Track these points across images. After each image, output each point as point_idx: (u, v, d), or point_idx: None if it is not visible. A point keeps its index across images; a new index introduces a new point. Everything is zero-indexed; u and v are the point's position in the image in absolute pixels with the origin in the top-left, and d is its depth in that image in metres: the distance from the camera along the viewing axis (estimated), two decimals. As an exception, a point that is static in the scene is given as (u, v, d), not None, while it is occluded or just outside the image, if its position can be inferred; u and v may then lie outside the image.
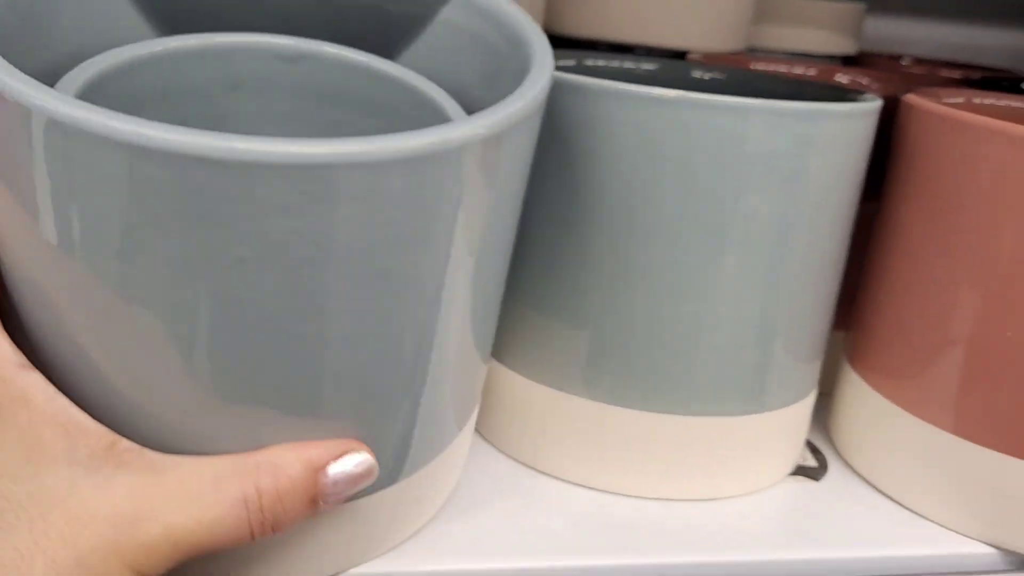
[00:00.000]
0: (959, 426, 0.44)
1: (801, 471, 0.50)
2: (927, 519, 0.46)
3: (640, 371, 0.44)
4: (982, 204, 0.42)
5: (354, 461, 0.32)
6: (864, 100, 0.45)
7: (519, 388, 0.47)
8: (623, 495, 0.46)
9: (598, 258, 0.43)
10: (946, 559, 0.44)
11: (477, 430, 0.50)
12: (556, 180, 0.43)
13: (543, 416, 0.46)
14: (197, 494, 0.30)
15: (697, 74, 0.54)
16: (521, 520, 0.43)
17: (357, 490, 0.33)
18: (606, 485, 0.46)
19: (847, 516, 0.46)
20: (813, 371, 0.48)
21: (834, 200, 0.44)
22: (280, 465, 0.31)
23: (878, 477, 0.49)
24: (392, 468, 0.36)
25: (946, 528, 0.46)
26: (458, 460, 0.42)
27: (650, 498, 0.46)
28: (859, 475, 0.50)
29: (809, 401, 0.49)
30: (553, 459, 0.47)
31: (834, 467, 0.51)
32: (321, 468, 0.32)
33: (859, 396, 0.50)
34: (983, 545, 0.45)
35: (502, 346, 0.48)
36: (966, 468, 0.44)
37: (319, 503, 0.32)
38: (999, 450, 0.43)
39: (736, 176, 0.41)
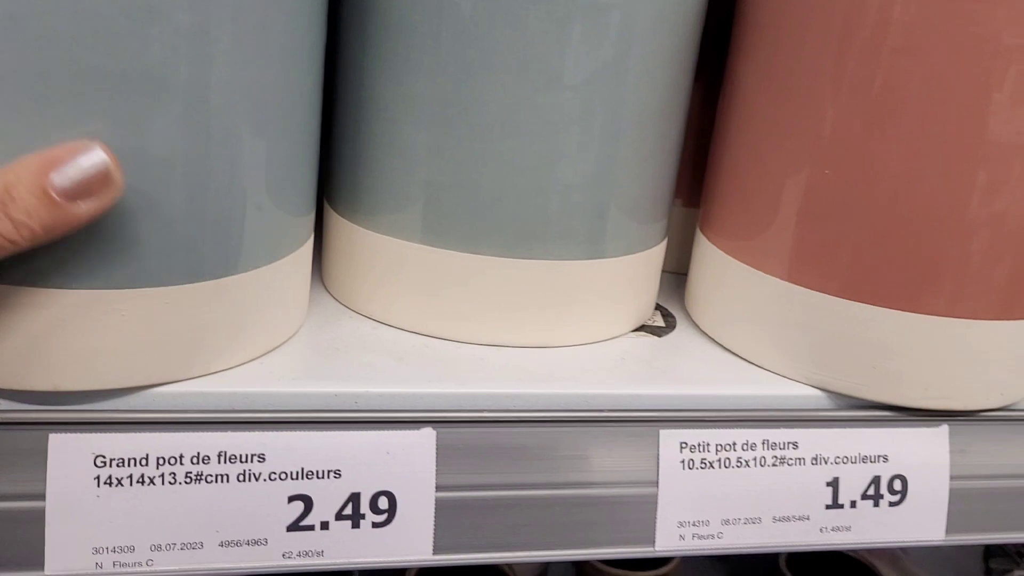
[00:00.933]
0: (791, 272, 0.45)
1: (646, 328, 0.50)
2: (761, 367, 0.46)
3: (471, 213, 0.44)
4: (811, 50, 0.42)
5: (88, 156, 0.32)
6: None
7: (354, 237, 0.47)
8: (458, 341, 0.46)
9: (423, 97, 0.43)
10: (775, 399, 0.44)
11: (323, 284, 0.50)
12: (376, 19, 0.43)
13: (377, 263, 0.46)
14: None
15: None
16: (352, 356, 0.43)
17: (95, 194, 0.32)
18: (441, 331, 0.46)
19: (683, 363, 0.46)
20: (653, 227, 0.48)
21: (664, 45, 0.44)
22: (14, 163, 0.31)
23: (720, 332, 0.49)
24: (192, 259, 0.36)
25: (777, 374, 0.46)
26: (283, 290, 0.42)
27: (485, 344, 0.46)
28: (705, 334, 0.50)
29: (652, 256, 0.49)
30: (388, 307, 0.46)
31: (683, 328, 0.51)
32: (53, 160, 0.31)
33: (707, 257, 0.50)
34: (810, 388, 0.45)
35: (335, 195, 0.48)
36: (796, 312, 0.45)
37: (52, 196, 0.31)
38: (825, 292, 0.44)
39: (564, 13, 0.41)
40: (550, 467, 0.41)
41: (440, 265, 0.44)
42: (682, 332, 0.50)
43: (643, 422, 0.42)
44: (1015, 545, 0.91)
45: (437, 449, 0.39)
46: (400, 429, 0.39)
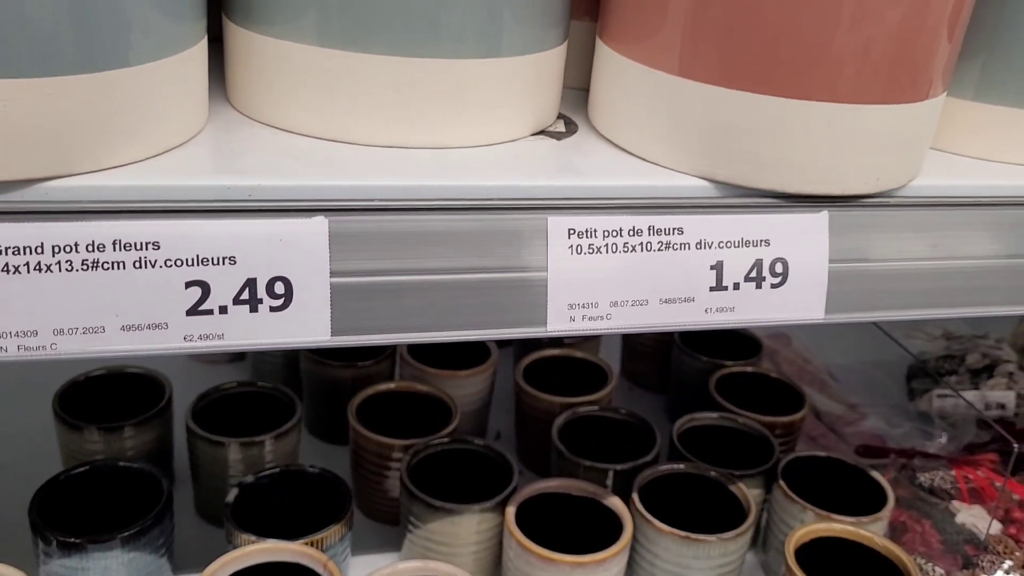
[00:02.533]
0: (681, 66, 0.46)
1: (546, 133, 0.51)
2: (654, 163, 0.48)
3: (363, 10, 0.44)
4: None
5: None
6: None
7: (250, 44, 0.47)
8: (356, 144, 0.47)
9: None
10: (662, 189, 0.46)
11: (227, 99, 0.51)
12: None
13: (273, 68, 0.47)
14: None
15: None
16: (248, 157, 0.44)
17: None
18: (338, 134, 0.47)
19: (576, 160, 0.48)
20: (550, 30, 0.49)
21: None
22: None
23: (616, 132, 0.50)
24: (77, 49, 0.37)
25: (668, 168, 0.48)
26: (174, 88, 0.42)
27: (383, 146, 0.47)
28: (604, 138, 0.51)
29: (549, 59, 0.50)
30: (286, 112, 0.47)
31: (584, 134, 0.52)
32: None
33: (604, 61, 0.51)
34: (697, 179, 0.47)
35: (231, 3, 0.48)
36: (686, 105, 0.46)
37: None
38: (711, 82, 0.45)
39: None
40: (442, 254, 0.43)
41: (334, 66, 0.45)
42: (582, 137, 0.52)
43: (532, 210, 0.44)
44: (934, 366, 0.96)
45: (330, 236, 0.41)
46: (293, 217, 0.41)
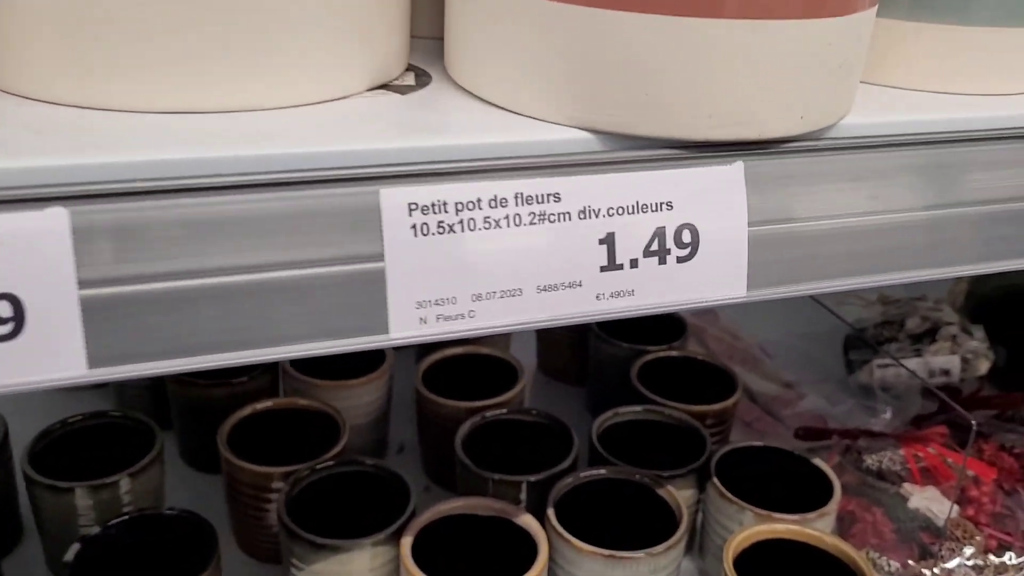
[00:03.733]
0: (543, -13, 0.36)
1: (388, 88, 0.41)
2: (521, 114, 0.38)
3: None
4: None
5: None
6: None
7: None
8: (128, 111, 0.35)
9: None
10: (529, 145, 0.36)
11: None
12: None
13: (17, 28, 0.35)
14: None
15: None
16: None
17: None
18: (102, 99, 0.35)
19: (423, 117, 0.37)
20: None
21: None
22: None
23: (473, 78, 0.40)
24: None
25: (539, 119, 0.37)
26: None
27: (166, 111, 0.36)
28: (463, 89, 0.41)
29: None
30: (27, 72, 0.35)
31: (438, 86, 0.42)
32: None
33: (455, -9, 0.40)
34: (574, 130, 0.37)
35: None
36: (554, 35, 0.36)
37: None
38: (581, 3, 0.35)
39: None
40: (239, 247, 0.32)
41: (89, 6, 0.33)
42: (435, 90, 0.41)
43: (357, 180, 0.33)
44: (873, 333, 0.88)
45: (74, 233, 0.30)
46: (16, 211, 0.29)
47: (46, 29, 0.34)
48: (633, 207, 0.36)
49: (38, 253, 0.29)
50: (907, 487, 0.69)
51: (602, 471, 0.65)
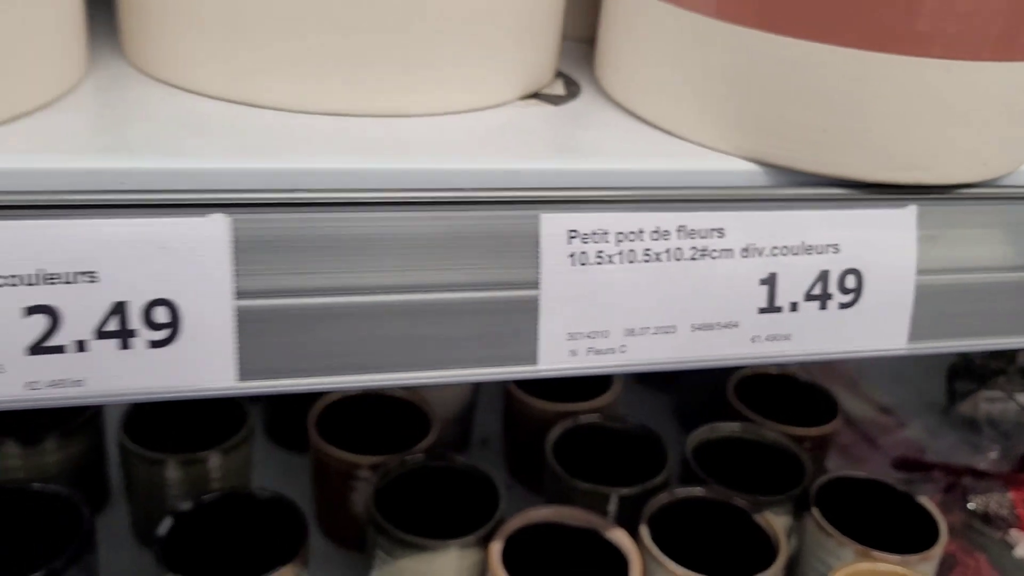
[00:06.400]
0: (720, 5, 0.34)
1: (540, 97, 0.39)
2: (681, 138, 0.36)
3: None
4: None
5: None
6: None
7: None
8: (281, 109, 0.34)
9: None
10: (695, 175, 0.34)
11: (122, 52, 0.38)
12: None
13: (176, 5, 0.34)
14: None
15: None
16: (128, 127, 0.32)
17: None
18: (247, 94, 0.34)
19: (580, 135, 0.36)
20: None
21: None
22: None
23: (631, 94, 0.38)
24: None
25: (700, 145, 0.35)
26: (32, 27, 0.30)
27: (320, 112, 0.34)
28: (615, 103, 0.39)
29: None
30: (189, 64, 0.35)
31: (589, 97, 0.40)
32: None
33: (617, 1, 0.38)
34: (741, 160, 0.35)
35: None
36: (724, 58, 0.34)
37: None
38: (761, 27, 0.33)
39: None
40: (394, 266, 0.31)
41: (249, 3, 0.32)
42: (587, 101, 0.39)
43: (518, 204, 0.31)
44: (980, 363, 0.85)
45: (234, 242, 0.29)
46: (179, 216, 0.29)
47: (208, 21, 0.33)
48: (798, 247, 0.34)
49: (198, 260, 0.29)
50: (1014, 534, 0.66)
51: (699, 491, 0.63)
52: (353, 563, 0.66)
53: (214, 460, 0.64)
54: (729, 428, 0.70)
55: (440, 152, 0.32)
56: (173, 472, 0.64)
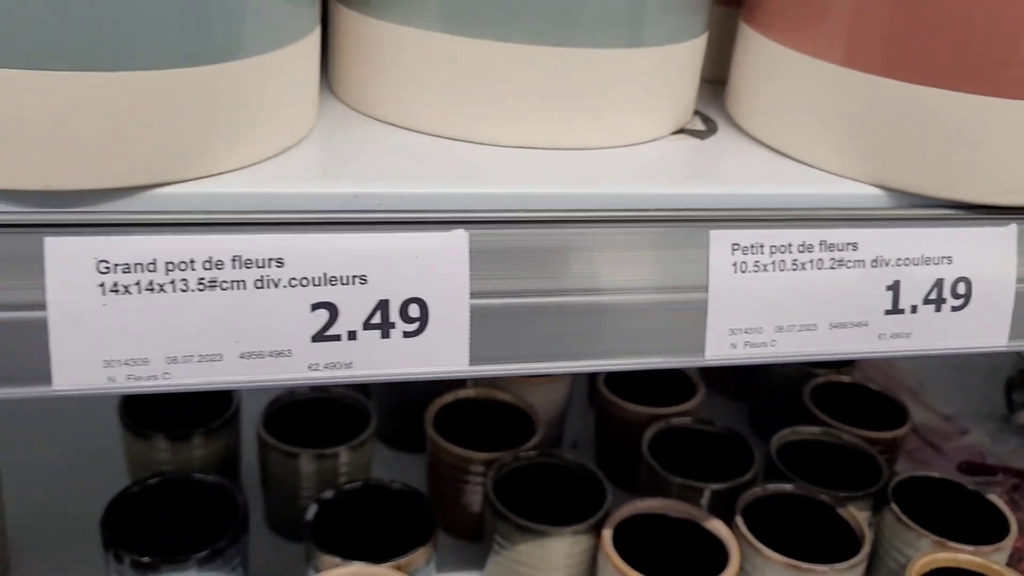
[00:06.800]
0: (849, 56, 0.40)
1: (685, 132, 0.46)
2: (814, 166, 0.43)
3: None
4: None
5: None
6: None
7: (365, 29, 0.42)
8: (481, 143, 0.42)
9: None
10: (832, 198, 0.41)
11: (331, 89, 0.46)
12: None
13: (391, 57, 0.41)
14: None
15: None
16: (369, 159, 0.39)
17: None
18: (462, 132, 0.41)
19: (729, 164, 0.43)
20: (694, 17, 0.44)
21: None
22: None
23: (767, 131, 0.45)
24: (189, 41, 0.32)
25: (832, 173, 0.42)
26: (290, 82, 0.38)
27: (511, 146, 0.42)
28: (749, 136, 0.46)
29: (693, 48, 0.44)
30: (404, 106, 0.42)
31: (725, 132, 0.47)
32: None
33: (752, 49, 0.45)
34: (869, 186, 0.41)
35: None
36: (854, 102, 0.40)
37: None
38: (888, 76, 0.39)
39: None
40: (593, 272, 0.38)
41: (463, 55, 0.40)
42: (725, 135, 0.46)
43: (692, 222, 0.38)
44: (1038, 376, 0.90)
45: (470, 252, 0.36)
46: (429, 231, 0.36)
47: (435, 72, 0.40)
48: (918, 259, 0.41)
49: (442, 266, 0.36)
50: (1076, 530, 0.71)
51: (788, 486, 0.69)
52: (468, 552, 0.72)
53: (343, 455, 0.71)
54: (809, 431, 0.76)
55: (622, 179, 0.39)
56: (306, 465, 0.70)
